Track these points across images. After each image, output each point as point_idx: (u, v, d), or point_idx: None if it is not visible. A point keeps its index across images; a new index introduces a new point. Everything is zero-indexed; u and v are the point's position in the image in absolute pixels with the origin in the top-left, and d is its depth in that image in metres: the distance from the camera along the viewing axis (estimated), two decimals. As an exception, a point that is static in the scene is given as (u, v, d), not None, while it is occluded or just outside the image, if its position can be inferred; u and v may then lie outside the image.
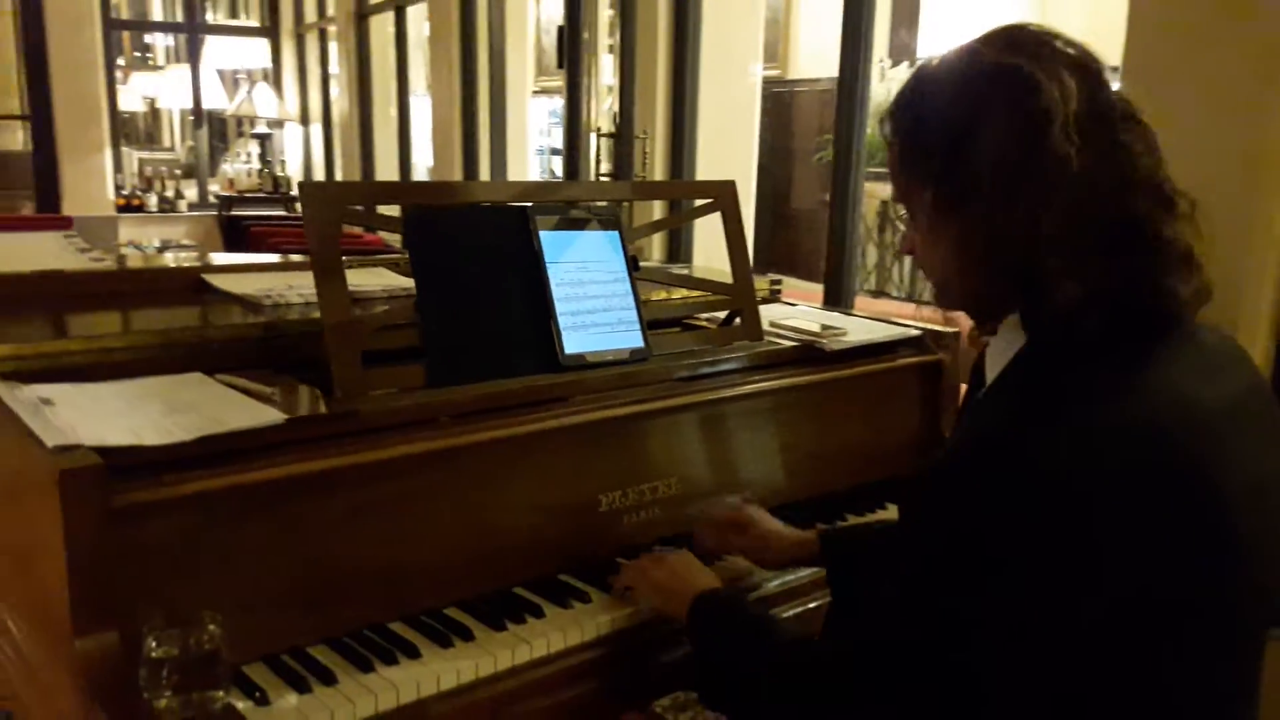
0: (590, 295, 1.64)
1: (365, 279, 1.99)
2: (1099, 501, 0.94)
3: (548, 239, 1.61)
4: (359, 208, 1.57)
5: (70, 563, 1.08)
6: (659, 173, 3.74)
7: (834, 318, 2.07)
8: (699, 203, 1.90)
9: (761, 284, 2.26)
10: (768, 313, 2.05)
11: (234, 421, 1.27)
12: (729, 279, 1.86)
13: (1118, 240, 1.00)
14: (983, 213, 1.03)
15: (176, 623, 1.12)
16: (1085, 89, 1.01)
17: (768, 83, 7.11)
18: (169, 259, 2.54)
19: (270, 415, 1.30)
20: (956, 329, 1.97)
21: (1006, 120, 1.00)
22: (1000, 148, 1.00)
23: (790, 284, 5.10)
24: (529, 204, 1.63)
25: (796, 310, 2.14)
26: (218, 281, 1.94)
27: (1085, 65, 1.03)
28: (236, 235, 6.48)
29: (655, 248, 3.71)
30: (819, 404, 1.82)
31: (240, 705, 1.15)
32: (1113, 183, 1.00)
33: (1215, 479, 0.99)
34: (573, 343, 1.59)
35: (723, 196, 1.86)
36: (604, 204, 1.72)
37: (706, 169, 3.68)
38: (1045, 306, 1.01)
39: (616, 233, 1.70)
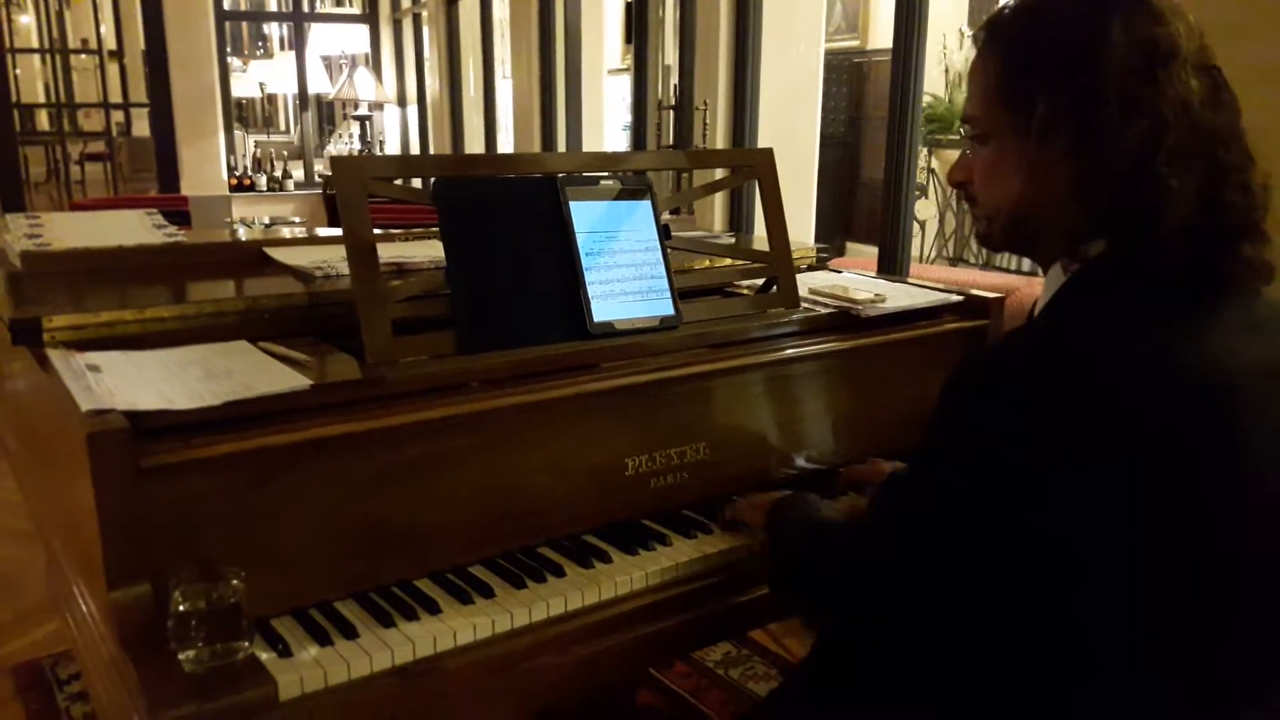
0: (620, 264, 1.65)
1: (421, 250, 2.05)
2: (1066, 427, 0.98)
3: (577, 209, 1.63)
4: (388, 180, 1.60)
5: (101, 518, 1.14)
6: (720, 143, 3.70)
7: (878, 284, 2.04)
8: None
9: (807, 251, 2.24)
10: (811, 280, 2.04)
11: (261, 387, 1.33)
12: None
13: (1208, 187, 1.01)
14: (1096, 133, 1.01)
15: (205, 577, 1.19)
16: (1199, 37, 1.03)
17: (848, 53, 6.97)
18: (286, 233, 2.78)
19: (296, 381, 1.35)
20: (1002, 294, 1.93)
21: (1130, 44, 1.00)
22: (1123, 70, 1.00)
23: (866, 251, 5.01)
24: (558, 175, 1.65)
25: (841, 277, 2.12)
26: (277, 254, 2.03)
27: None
28: (338, 212, 6.70)
29: (717, 218, 3.69)
30: (853, 371, 1.80)
31: (264, 656, 1.20)
32: (1218, 131, 1.01)
33: (1234, 437, 0.99)
34: (601, 311, 1.61)
35: (760, 165, 1.85)
36: (636, 174, 1.73)
37: (768, 139, 3.62)
38: (1135, 239, 1.02)
39: (648, 202, 1.71)
